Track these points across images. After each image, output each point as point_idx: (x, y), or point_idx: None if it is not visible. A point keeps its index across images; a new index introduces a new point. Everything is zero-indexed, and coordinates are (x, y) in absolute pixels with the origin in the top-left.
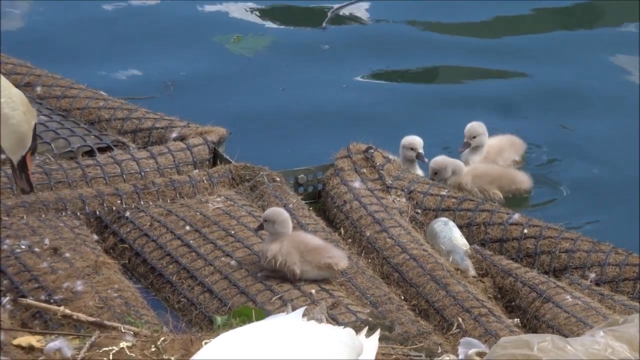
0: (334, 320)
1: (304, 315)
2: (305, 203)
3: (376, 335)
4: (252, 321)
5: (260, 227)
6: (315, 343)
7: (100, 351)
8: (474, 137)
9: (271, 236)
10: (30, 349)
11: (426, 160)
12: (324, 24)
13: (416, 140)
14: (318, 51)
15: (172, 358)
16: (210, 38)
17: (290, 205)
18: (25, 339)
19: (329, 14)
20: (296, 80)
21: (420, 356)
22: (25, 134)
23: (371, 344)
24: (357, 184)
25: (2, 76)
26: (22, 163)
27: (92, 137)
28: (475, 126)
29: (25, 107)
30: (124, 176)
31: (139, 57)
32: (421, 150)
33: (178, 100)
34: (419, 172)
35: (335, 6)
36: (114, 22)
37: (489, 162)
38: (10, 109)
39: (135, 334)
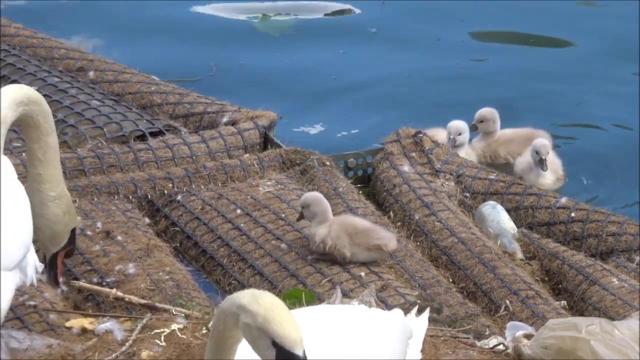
0: (382, 302)
1: (353, 297)
2: (355, 187)
3: (425, 315)
4: (303, 303)
5: (301, 217)
6: (366, 326)
7: (152, 333)
8: (481, 122)
9: (317, 220)
10: (82, 330)
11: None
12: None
13: (461, 125)
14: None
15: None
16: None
17: (340, 189)
18: (77, 321)
19: None
20: (345, 64)
21: (468, 338)
22: (59, 233)
23: (420, 325)
24: (406, 168)
25: (57, 158)
26: (53, 260)
27: (144, 121)
28: (484, 112)
29: (67, 208)
30: (176, 160)
31: (176, 39)
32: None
33: (220, 82)
34: (463, 155)
35: None
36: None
37: (492, 151)
38: (57, 203)
39: (187, 316)
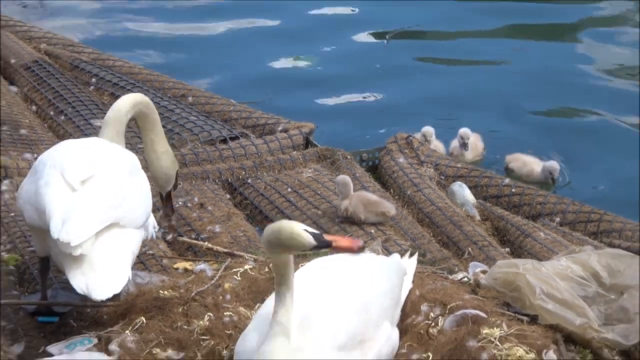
0: (386, 249)
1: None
2: (367, 173)
3: (414, 258)
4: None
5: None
6: (375, 265)
7: (231, 271)
8: (469, 139)
9: (342, 195)
10: (185, 270)
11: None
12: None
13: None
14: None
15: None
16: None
17: (357, 174)
18: (181, 264)
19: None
20: (357, 86)
21: (443, 273)
22: (171, 176)
23: (411, 264)
24: (401, 160)
25: (162, 132)
26: (167, 196)
27: (226, 130)
28: (467, 131)
29: (172, 158)
30: (247, 156)
31: (246, 77)
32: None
33: (276, 102)
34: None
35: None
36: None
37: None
38: (165, 156)
39: (255, 260)
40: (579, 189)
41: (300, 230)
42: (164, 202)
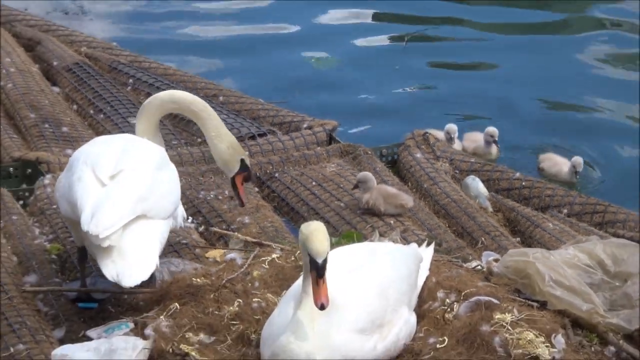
0: (404, 239)
1: (386, 236)
2: (387, 167)
3: (431, 247)
4: (354, 240)
5: (356, 187)
6: (393, 252)
7: (260, 260)
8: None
9: (363, 189)
10: (215, 259)
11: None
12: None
13: (455, 127)
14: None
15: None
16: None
17: (377, 169)
18: (212, 253)
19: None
20: (376, 86)
21: (458, 261)
22: (228, 161)
23: (428, 253)
24: (418, 155)
25: (218, 119)
26: (233, 184)
27: (254, 127)
28: (491, 130)
29: (229, 143)
30: (274, 151)
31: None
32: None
33: (301, 101)
34: (457, 147)
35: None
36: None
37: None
38: (218, 141)
39: (282, 249)
40: (584, 183)
41: (317, 247)
42: (233, 190)
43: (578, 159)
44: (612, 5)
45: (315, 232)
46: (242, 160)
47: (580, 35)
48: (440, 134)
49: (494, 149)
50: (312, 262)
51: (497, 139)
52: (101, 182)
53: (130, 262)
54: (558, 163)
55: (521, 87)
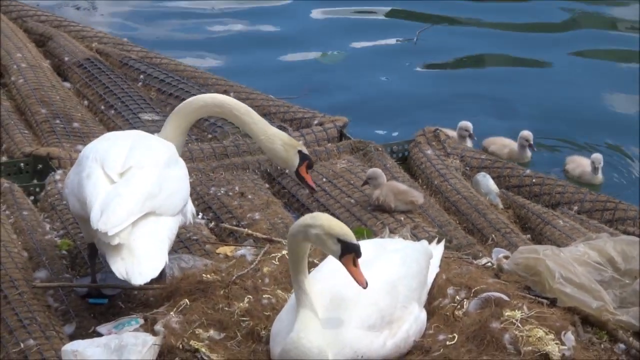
0: (414, 236)
1: (396, 233)
2: (397, 164)
3: (441, 244)
4: (365, 237)
5: (365, 183)
6: (403, 249)
7: (270, 256)
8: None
9: (373, 185)
10: (226, 255)
11: (475, 138)
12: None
13: (469, 124)
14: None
15: (317, 260)
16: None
17: (388, 165)
18: (223, 249)
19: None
20: (386, 83)
21: (469, 258)
22: (286, 157)
23: (438, 250)
24: (429, 152)
25: (262, 120)
26: (298, 175)
27: None
28: (525, 134)
29: (281, 141)
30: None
31: (284, 74)
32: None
33: (311, 97)
34: (469, 145)
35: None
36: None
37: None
38: (270, 142)
39: None
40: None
41: (346, 231)
42: (298, 180)
43: (597, 156)
44: None
45: (330, 219)
46: (300, 151)
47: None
48: (452, 133)
49: (528, 153)
50: (347, 245)
51: (532, 142)
52: (110, 179)
53: (140, 260)
54: (582, 164)
55: (522, 87)
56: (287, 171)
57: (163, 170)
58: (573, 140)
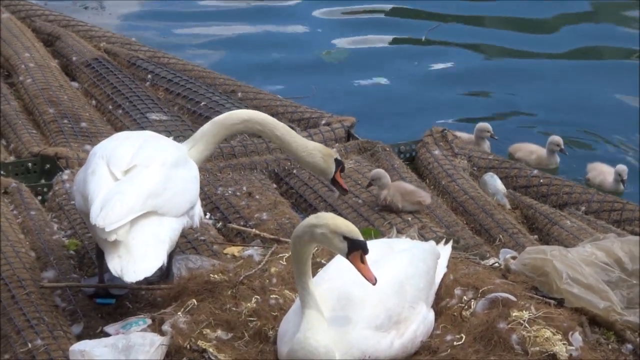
0: (422, 236)
1: (404, 233)
2: (405, 164)
3: (449, 245)
4: (372, 237)
5: (370, 185)
6: (410, 248)
7: (277, 256)
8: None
9: (378, 186)
10: (234, 255)
11: (497, 137)
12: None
13: (487, 125)
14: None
15: (324, 260)
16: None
17: (395, 165)
18: (230, 249)
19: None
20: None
21: (476, 258)
22: (324, 168)
23: (446, 250)
24: (437, 152)
25: (299, 137)
26: (334, 180)
27: None
28: (556, 139)
29: (320, 154)
30: None
31: (292, 73)
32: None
33: (319, 97)
34: (487, 147)
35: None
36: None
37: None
38: (311, 157)
39: None
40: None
41: (352, 228)
42: (332, 184)
43: (622, 167)
44: None
45: (335, 217)
46: (335, 159)
47: None
48: (460, 133)
49: (557, 159)
50: (353, 242)
51: (563, 147)
52: (114, 177)
53: (135, 259)
54: (603, 172)
55: (526, 87)
56: (322, 178)
57: (169, 170)
58: (595, 142)
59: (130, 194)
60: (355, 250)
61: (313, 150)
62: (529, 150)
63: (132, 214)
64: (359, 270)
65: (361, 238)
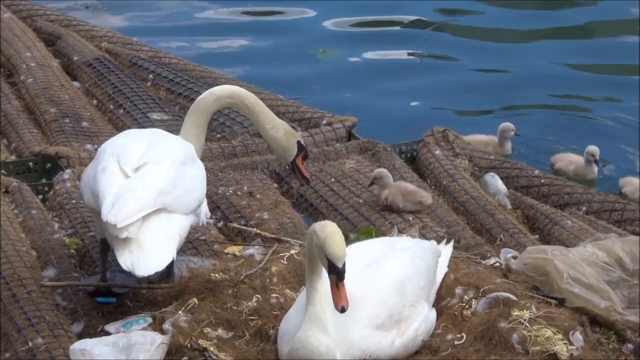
0: (423, 236)
1: (405, 233)
2: (406, 164)
3: (450, 244)
4: (373, 236)
5: (371, 184)
6: (411, 247)
7: (278, 255)
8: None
9: (380, 186)
10: (234, 255)
11: (519, 134)
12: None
13: (510, 125)
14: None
15: None
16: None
17: (397, 165)
18: (231, 249)
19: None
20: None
21: (477, 258)
22: (286, 147)
23: (447, 250)
24: (438, 152)
25: (268, 110)
26: (293, 165)
27: None
28: (592, 149)
29: (284, 130)
30: None
31: (294, 73)
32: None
33: (320, 97)
34: (509, 147)
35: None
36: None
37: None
38: (274, 131)
39: (300, 245)
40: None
41: (336, 251)
42: (292, 171)
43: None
44: None
45: (332, 235)
46: (298, 142)
47: None
48: (480, 136)
49: (595, 169)
50: (332, 266)
51: (598, 158)
52: (125, 174)
53: (147, 253)
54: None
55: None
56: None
57: (179, 168)
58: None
59: (141, 191)
60: (334, 273)
61: (278, 125)
62: (569, 160)
63: (143, 211)
64: (332, 292)
65: (339, 265)
